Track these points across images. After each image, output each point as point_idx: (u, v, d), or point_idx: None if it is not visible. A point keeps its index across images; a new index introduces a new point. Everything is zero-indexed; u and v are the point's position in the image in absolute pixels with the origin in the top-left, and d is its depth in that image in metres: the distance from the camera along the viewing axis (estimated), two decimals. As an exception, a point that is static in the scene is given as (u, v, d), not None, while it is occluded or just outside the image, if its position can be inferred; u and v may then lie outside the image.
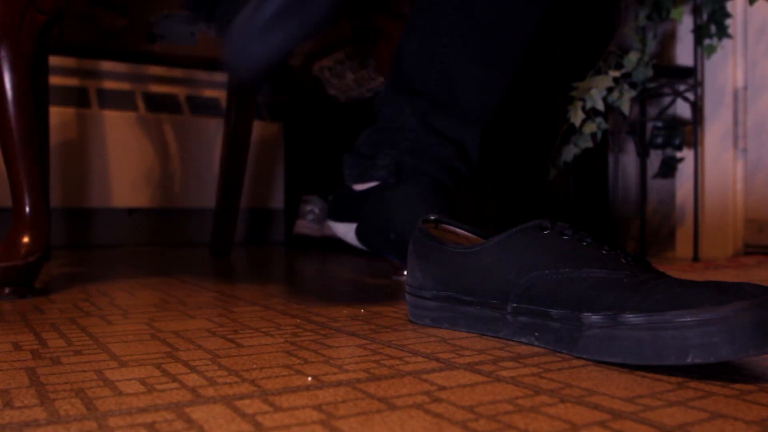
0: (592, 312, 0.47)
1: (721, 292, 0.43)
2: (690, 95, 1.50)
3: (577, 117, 1.38)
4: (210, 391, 0.40)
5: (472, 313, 0.58)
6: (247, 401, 0.38)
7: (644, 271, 0.50)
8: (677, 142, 1.50)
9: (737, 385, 0.41)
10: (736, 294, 0.42)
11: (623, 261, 0.51)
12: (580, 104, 1.38)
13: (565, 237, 0.53)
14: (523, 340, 0.54)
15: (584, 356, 0.48)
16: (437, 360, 0.48)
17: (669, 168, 1.52)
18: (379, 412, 0.36)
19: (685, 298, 0.43)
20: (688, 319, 0.42)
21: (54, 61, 1.71)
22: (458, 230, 0.67)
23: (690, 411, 0.36)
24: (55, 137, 1.79)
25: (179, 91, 2.05)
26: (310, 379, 0.43)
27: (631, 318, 0.45)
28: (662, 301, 0.44)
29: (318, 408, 0.36)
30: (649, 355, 0.44)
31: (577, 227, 0.54)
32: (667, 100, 1.56)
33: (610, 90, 1.36)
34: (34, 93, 0.86)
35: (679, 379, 0.42)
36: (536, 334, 0.52)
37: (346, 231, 0.79)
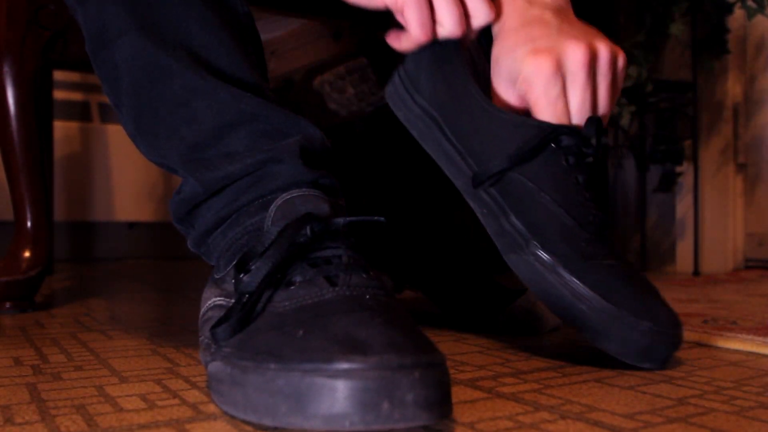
0: (540, 247, 0.50)
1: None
2: (689, 110, 1.51)
3: (577, 131, 1.39)
4: (211, 408, 0.40)
5: (450, 154, 0.56)
6: (247, 417, 0.38)
7: (605, 254, 0.51)
8: (677, 156, 1.51)
9: (738, 402, 0.41)
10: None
11: (591, 220, 0.52)
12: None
13: (567, 164, 0.52)
14: (478, 214, 0.55)
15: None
16: (438, 376, 0.48)
17: (669, 182, 1.52)
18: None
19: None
20: None
21: (57, 75, 1.72)
22: None
23: (690, 427, 0.36)
24: (58, 151, 1.80)
25: (181, 105, 2.06)
26: (310, 395, 0.43)
27: None
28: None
29: (318, 424, 0.36)
30: None
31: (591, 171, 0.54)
32: (667, 114, 1.57)
33: (609, 105, 1.37)
34: (39, 107, 0.86)
35: (680, 395, 0.42)
36: (491, 222, 0.54)
37: None
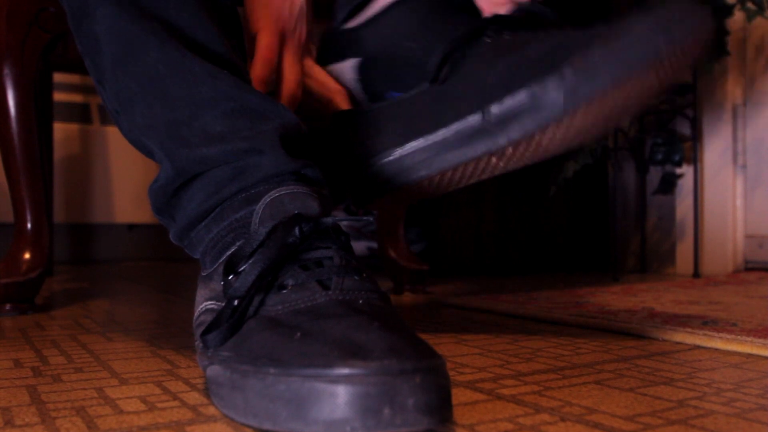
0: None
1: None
2: (689, 111, 1.51)
3: (576, 133, 1.38)
4: (211, 410, 0.40)
5: None
6: (247, 419, 0.38)
7: None
8: (677, 158, 1.51)
9: (738, 404, 0.41)
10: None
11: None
12: (579, 121, 1.39)
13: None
14: None
15: None
16: (438, 378, 0.48)
17: (668, 184, 1.52)
18: (380, 431, 0.36)
19: None
20: None
21: (57, 77, 1.72)
22: None
23: (691, 429, 0.36)
24: (58, 153, 1.80)
25: (181, 107, 2.06)
26: (310, 397, 0.43)
27: None
28: None
29: (319, 426, 0.36)
30: None
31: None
32: (667, 116, 1.57)
33: (609, 106, 1.36)
34: (39, 109, 0.87)
35: (680, 397, 0.42)
36: None
37: (342, 69, 0.67)
